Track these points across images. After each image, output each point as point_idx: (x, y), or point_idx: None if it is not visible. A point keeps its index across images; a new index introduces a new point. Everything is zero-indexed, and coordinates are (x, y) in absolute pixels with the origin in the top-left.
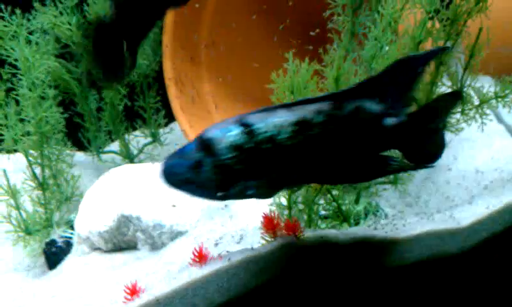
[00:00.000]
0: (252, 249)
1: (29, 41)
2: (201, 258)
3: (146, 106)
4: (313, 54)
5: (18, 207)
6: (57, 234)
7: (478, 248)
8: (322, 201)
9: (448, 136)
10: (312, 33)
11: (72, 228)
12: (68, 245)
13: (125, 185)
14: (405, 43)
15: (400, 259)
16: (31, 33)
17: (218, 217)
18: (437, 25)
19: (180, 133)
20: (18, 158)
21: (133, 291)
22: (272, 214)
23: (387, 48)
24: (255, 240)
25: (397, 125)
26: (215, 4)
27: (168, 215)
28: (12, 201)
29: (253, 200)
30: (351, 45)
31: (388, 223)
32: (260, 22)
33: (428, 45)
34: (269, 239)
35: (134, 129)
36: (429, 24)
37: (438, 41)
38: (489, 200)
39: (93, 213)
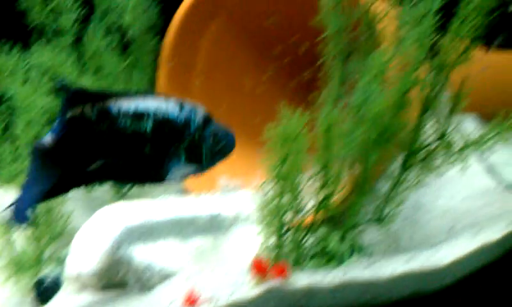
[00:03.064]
0: (241, 291)
1: (26, 80)
2: (190, 301)
3: None
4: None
5: (10, 244)
6: (48, 271)
7: (455, 286)
8: (310, 241)
9: (429, 177)
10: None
11: (62, 265)
12: (58, 283)
13: (117, 225)
14: (391, 92)
15: (382, 299)
16: (28, 71)
17: (208, 257)
18: (423, 74)
19: None
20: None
21: None
22: (261, 257)
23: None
24: (245, 282)
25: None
26: (211, 40)
27: (158, 257)
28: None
29: (243, 242)
30: (340, 91)
31: (371, 263)
32: (255, 60)
33: (414, 94)
34: (257, 282)
35: None
36: (415, 74)
37: (423, 90)
38: (468, 239)
39: (84, 253)
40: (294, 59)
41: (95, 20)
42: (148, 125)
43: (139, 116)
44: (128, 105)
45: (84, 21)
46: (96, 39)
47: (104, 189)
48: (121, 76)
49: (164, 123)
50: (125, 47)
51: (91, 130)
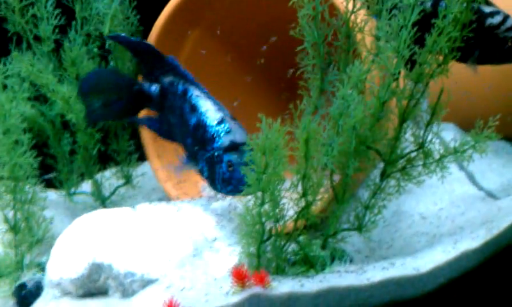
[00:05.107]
0: (220, 299)
1: (5, 86)
2: None
3: (120, 149)
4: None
5: None
6: (28, 277)
7: (435, 293)
8: (291, 248)
9: (410, 184)
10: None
11: (42, 270)
12: (38, 289)
13: (98, 232)
14: (371, 102)
15: (363, 305)
16: (7, 78)
17: (189, 265)
18: (401, 85)
19: (152, 176)
20: None
21: None
22: (242, 265)
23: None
24: (225, 290)
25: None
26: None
27: (139, 263)
28: None
29: (224, 249)
30: (320, 101)
31: (352, 270)
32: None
33: (393, 104)
34: (238, 289)
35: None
36: (393, 85)
37: (401, 100)
38: (448, 246)
39: (65, 260)
40: (274, 67)
41: (74, 29)
42: (192, 119)
43: (192, 107)
44: (191, 92)
45: (64, 29)
46: (75, 47)
47: (85, 195)
48: None
49: (200, 125)
50: (104, 55)
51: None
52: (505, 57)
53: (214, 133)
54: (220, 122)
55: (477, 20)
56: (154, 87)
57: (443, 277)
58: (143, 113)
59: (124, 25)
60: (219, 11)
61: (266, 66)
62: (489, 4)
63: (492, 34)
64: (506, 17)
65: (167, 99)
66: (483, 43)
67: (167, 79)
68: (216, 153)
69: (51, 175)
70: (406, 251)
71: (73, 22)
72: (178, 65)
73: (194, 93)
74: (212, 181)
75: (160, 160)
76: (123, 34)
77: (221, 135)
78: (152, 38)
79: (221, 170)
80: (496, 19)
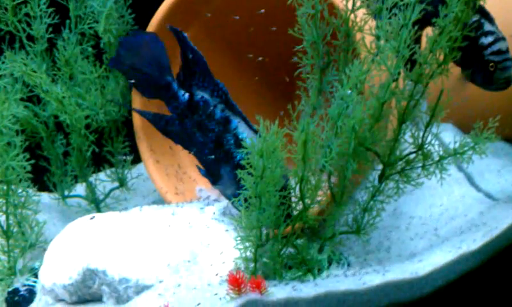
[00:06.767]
0: (216, 306)
1: None
2: None
3: (114, 151)
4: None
5: None
6: (21, 283)
7: (434, 296)
8: (288, 251)
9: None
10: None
11: (35, 276)
12: (31, 295)
13: (91, 236)
14: (370, 103)
15: None
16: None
17: (184, 270)
18: (401, 85)
19: (147, 178)
20: None
21: None
22: (238, 270)
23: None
24: (221, 295)
25: None
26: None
27: (134, 269)
28: None
29: (220, 254)
30: (318, 102)
31: (350, 273)
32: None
33: (392, 104)
34: (234, 295)
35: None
36: (393, 85)
37: (401, 101)
38: (447, 248)
39: (58, 265)
40: (272, 67)
41: (68, 28)
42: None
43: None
44: (236, 125)
45: (58, 27)
46: (69, 46)
47: (78, 199)
48: (95, 84)
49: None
50: (99, 54)
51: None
52: (487, 82)
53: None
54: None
55: (474, 37)
56: (183, 93)
57: (442, 279)
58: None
59: (119, 23)
60: (215, 9)
61: (264, 65)
62: (492, 22)
63: (480, 55)
64: (496, 40)
65: (195, 113)
66: (474, 61)
67: (200, 94)
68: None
69: (124, 157)
70: (404, 254)
71: (67, 21)
72: (227, 92)
73: (240, 128)
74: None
75: (158, 164)
76: (185, 34)
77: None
78: None
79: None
80: (487, 40)
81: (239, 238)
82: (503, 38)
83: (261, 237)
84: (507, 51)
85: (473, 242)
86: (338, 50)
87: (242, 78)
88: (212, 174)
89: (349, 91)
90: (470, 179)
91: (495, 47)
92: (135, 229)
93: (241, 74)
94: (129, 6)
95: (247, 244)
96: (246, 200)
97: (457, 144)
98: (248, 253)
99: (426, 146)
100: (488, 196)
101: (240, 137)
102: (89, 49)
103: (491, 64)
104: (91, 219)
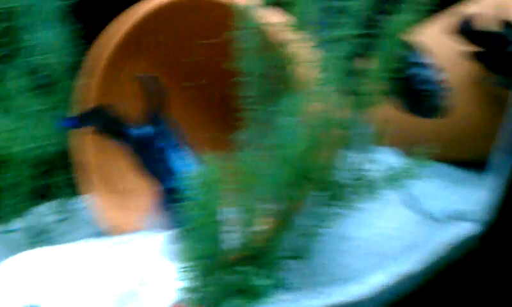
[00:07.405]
0: None
1: None
2: None
3: (55, 183)
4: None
5: None
6: None
7: None
8: (232, 280)
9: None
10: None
11: None
12: None
13: (29, 273)
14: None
15: None
16: None
17: (130, 302)
18: (343, 113)
19: (89, 209)
20: None
21: None
22: (181, 302)
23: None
24: None
25: None
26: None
27: (77, 305)
28: None
29: (163, 286)
30: (259, 133)
31: (293, 298)
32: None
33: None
34: None
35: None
36: (332, 114)
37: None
38: (390, 269)
39: None
40: (218, 97)
41: (11, 60)
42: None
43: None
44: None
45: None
46: (11, 79)
47: (20, 233)
48: (39, 117)
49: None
50: (44, 87)
51: None
52: (419, 111)
53: None
54: None
55: (405, 68)
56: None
57: (382, 301)
58: None
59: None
60: (161, 43)
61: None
62: (420, 53)
63: (409, 84)
64: (424, 69)
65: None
66: (406, 91)
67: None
68: None
69: None
70: (347, 276)
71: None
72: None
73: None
74: None
75: (102, 195)
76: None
77: None
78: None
79: None
80: (417, 70)
81: (181, 268)
82: (431, 67)
83: (204, 267)
84: (435, 80)
85: (414, 263)
86: (277, 81)
87: (189, 109)
88: (160, 205)
89: (289, 120)
90: (414, 201)
91: (423, 76)
92: (75, 263)
93: (188, 105)
94: (81, 37)
95: (190, 274)
96: (188, 230)
97: (396, 168)
98: (192, 283)
99: (365, 171)
100: (429, 216)
101: (174, 166)
102: (32, 82)
103: (420, 93)
104: (29, 254)
